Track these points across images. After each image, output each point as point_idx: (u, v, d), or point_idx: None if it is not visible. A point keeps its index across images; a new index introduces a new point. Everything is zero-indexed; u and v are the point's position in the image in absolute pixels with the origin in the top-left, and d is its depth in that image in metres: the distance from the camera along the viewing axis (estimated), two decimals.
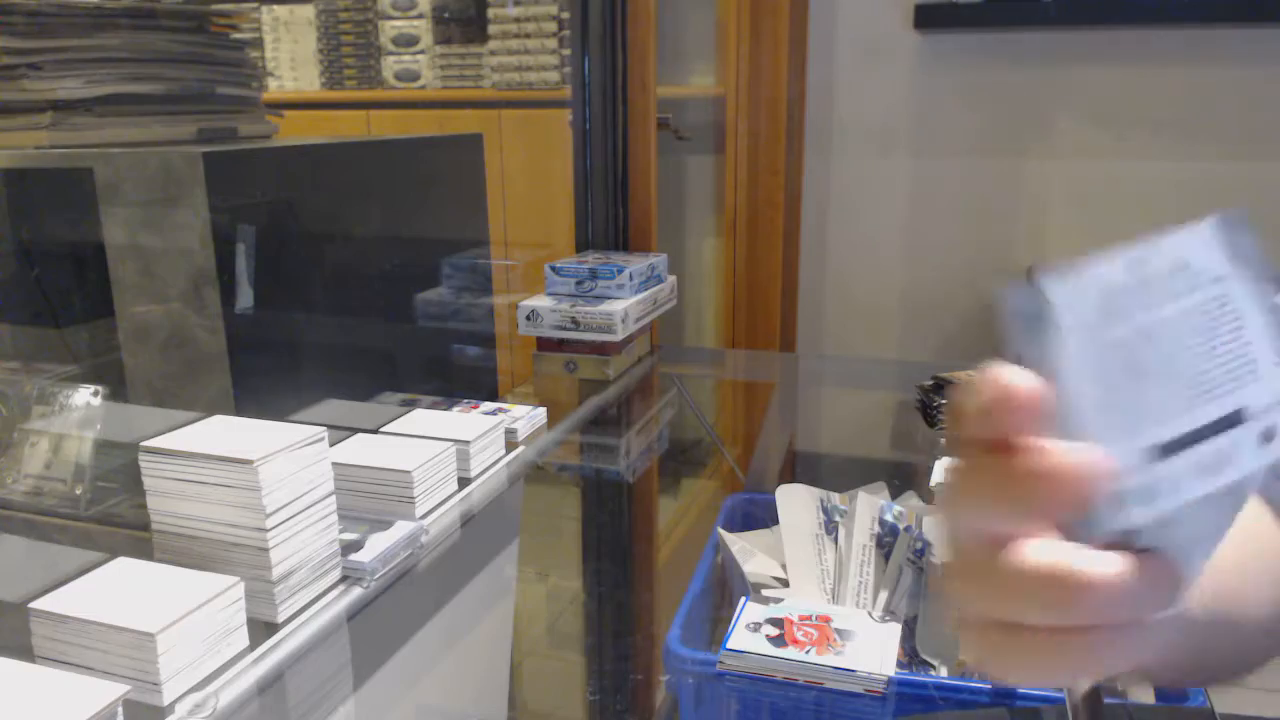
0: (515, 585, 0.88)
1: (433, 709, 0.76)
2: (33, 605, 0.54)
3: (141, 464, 0.60)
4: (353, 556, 0.67)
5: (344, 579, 0.66)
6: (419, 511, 0.75)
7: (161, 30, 0.85)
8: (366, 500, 0.75)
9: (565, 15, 1.54)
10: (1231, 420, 0.25)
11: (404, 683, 0.71)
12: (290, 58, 1.82)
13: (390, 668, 0.70)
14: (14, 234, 0.81)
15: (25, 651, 0.53)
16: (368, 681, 0.67)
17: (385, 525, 0.72)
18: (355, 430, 0.82)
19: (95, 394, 0.72)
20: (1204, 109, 1.68)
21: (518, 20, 1.60)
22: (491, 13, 1.63)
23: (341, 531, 0.67)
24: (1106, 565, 0.24)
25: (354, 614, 0.65)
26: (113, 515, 0.69)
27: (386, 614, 0.68)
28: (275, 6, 1.81)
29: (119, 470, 0.70)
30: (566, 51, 1.54)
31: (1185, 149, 1.70)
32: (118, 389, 0.74)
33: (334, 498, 0.64)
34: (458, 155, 1.07)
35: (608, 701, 0.74)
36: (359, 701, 0.66)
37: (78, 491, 0.70)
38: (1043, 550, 0.24)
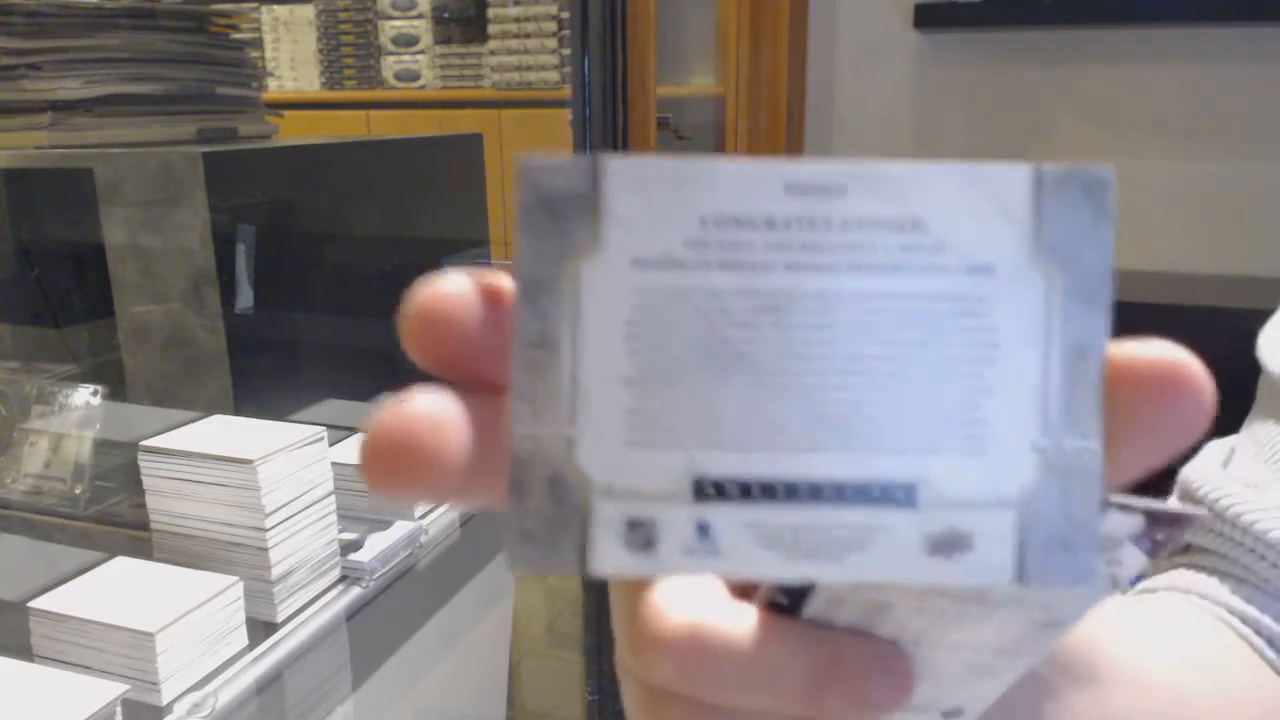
0: (514, 585, 0.88)
1: (431, 709, 0.76)
2: (32, 604, 0.54)
3: (141, 463, 0.60)
4: (352, 556, 0.67)
5: (343, 579, 0.66)
6: (418, 511, 0.75)
7: (161, 30, 0.85)
8: (366, 500, 0.75)
9: (565, 15, 1.54)
10: (887, 493, 0.15)
11: (403, 682, 0.71)
12: (290, 58, 1.82)
13: (389, 667, 0.70)
14: (14, 234, 0.81)
15: (24, 650, 0.53)
16: (366, 681, 0.67)
17: (384, 525, 0.72)
18: (355, 430, 0.82)
19: (95, 393, 0.72)
20: (1206, 108, 1.68)
21: (518, 20, 1.60)
22: (491, 12, 1.63)
23: (340, 531, 0.67)
24: (741, 627, 0.18)
25: (353, 614, 0.65)
26: (112, 515, 0.69)
27: (385, 614, 0.68)
28: (275, 6, 1.82)
29: (118, 470, 0.70)
30: (566, 51, 1.54)
31: (1187, 148, 1.70)
32: (117, 388, 0.74)
33: (333, 497, 0.64)
34: (457, 155, 1.07)
35: (607, 702, 0.74)
36: (358, 701, 0.66)
37: (77, 491, 0.70)
38: (682, 606, 0.18)
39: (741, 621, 0.18)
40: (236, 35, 0.93)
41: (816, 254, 0.15)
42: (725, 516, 0.15)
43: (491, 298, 0.15)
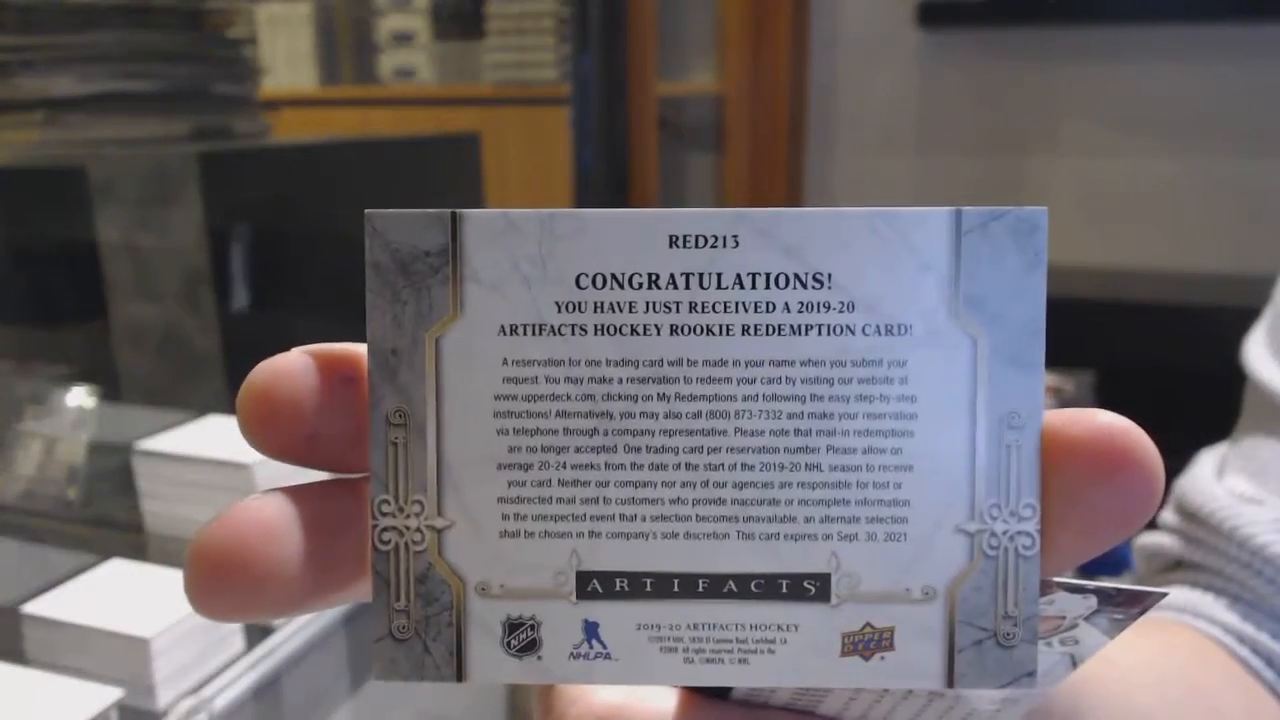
0: None
1: (430, 713, 0.75)
2: (25, 608, 0.53)
3: (135, 466, 0.60)
4: None
5: None
6: None
7: (155, 27, 0.85)
8: None
9: (565, 11, 1.54)
10: (795, 587, 0.13)
11: (402, 687, 0.70)
12: (286, 54, 1.82)
13: None
14: (6, 233, 0.80)
15: (18, 655, 0.53)
16: (365, 685, 0.67)
17: None
18: None
19: (89, 395, 0.72)
20: (1208, 106, 1.68)
21: (516, 16, 1.60)
22: (489, 9, 1.62)
23: None
24: (662, 713, 0.17)
25: (351, 617, 0.65)
26: (106, 517, 0.68)
27: None
28: (270, 3, 1.81)
29: (113, 472, 0.69)
30: (566, 49, 1.54)
31: (1189, 146, 1.70)
32: (111, 390, 0.73)
33: None
34: (455, 155, 1.06)
35: None
36: (356, 706, 0.65)
37: (71, 493, 0.70)
38: (600, 688, 0.17)
39: (661, 708, 0.17)
40: (232, 32, 0.92)
41: (705, 315, 0.13)
42: (615, 615, 0.13)
43: (342, 372, 0.14)
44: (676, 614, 0.13)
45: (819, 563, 0.13)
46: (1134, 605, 0.15)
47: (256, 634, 0.59)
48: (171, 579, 0.56)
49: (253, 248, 0.73)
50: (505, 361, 0.13)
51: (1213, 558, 0.34)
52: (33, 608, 0.53)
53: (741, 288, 0.13)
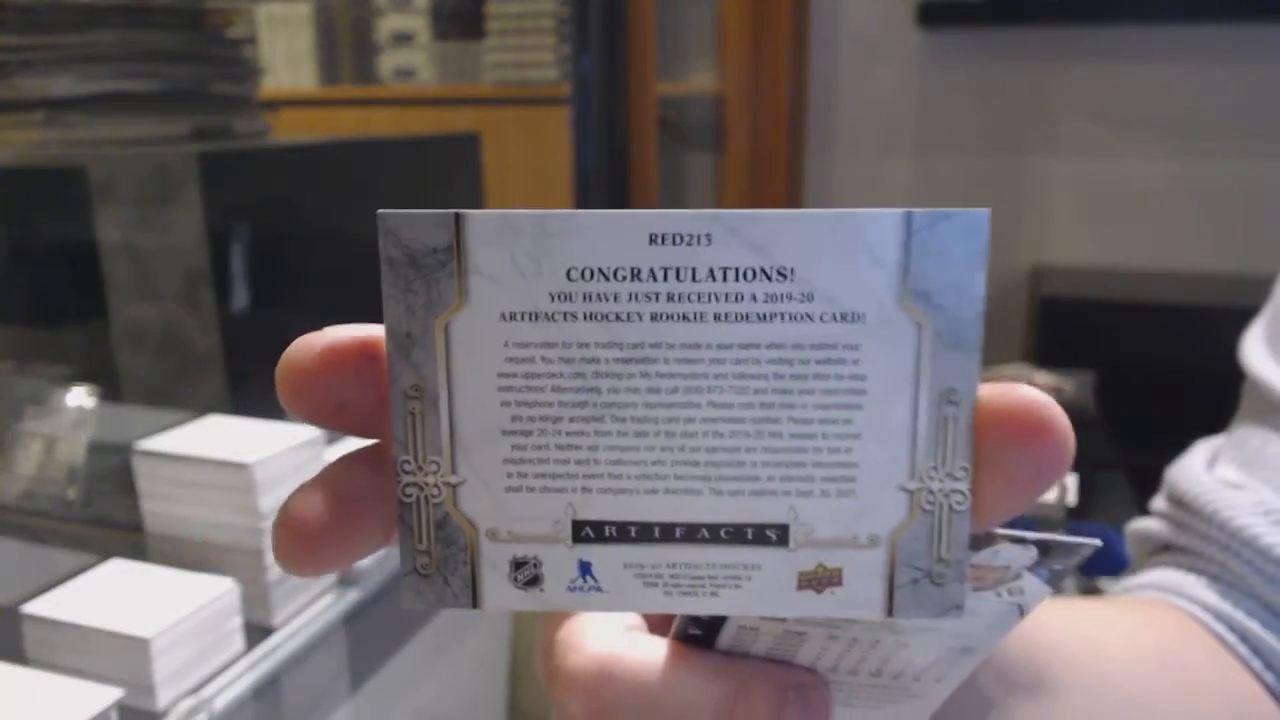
0: None
1: (430, 712, 0.75)
2: (25, 608, 0.53)
3: (135, 466, 0.60)
4: None
5: (340, 581, 0.66)
6: None
7: (155, 27, 0.85)
8: None
9: (565, 11, 1.54)
10: (759, 534, 0.15)
11: (401, 686, 0.70)
12: (286, 54, 1.82)
13: (387, 671, 0.69)
14: (6, 233, 0.80)
15: (18, 655, 0.53)
16: (365, 685, 0.67)
17: None
18: None
19: (89, 395, 0.72)
20: (1208, 106, 1.68)
21: (516, 16, 1.60)
22: (489, 9, 1.62)
23: None
24: (651, 659, 0.18)
25: (351, 617, 0.64)
26: (106, 517, 0.68)
27: (384, 617, 0.68)
28: (270, 3, 1.81)
29: (112, 472, 0.69)
30: (566, 49, 1.54)
31: (1192, 147, 1.70)
32: (111, 390, 0.73)
33: None
34: (455, 155, 1.06)
35: None
36: (356, 705, 0.65)
37: (71, 493, 0.70)
38: (593, 640, 0.19)
39: (652, 654, 0.18)
40: (232, 32, 0.92)
41: (681, 304, 0.15)
42: (605, 556, 0.15)
43: (365, 350, 0.15)
44: (657, 555, 0.15)
45: (779, 515, 0.15)
46: (1070, 556, 0.16)
47: (256, 634, 0.59)
48: (171, 579, 0.56)
49: (253, 248, 0.73)
50: (506, 344, 0.15)
51: (1196, 541, 0.36)
52: (33, 608, 0.53)
53: (714, 280, 0.14)
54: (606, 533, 0.15)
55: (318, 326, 0.16)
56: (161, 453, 0.59)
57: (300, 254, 0.80)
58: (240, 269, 0.72)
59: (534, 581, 0.16)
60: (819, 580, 0.15)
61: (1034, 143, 1.77)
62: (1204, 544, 0.35)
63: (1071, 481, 0.73)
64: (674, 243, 0.14)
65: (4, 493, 0.71)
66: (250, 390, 0.73)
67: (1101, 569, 0.66)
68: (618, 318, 0.15)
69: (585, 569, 0.16)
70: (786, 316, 0.15)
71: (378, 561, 0.67)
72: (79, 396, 0.72)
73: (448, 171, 1.04)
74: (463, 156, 1.08)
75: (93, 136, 0.80)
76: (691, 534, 0.15)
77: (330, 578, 0.65)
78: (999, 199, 1.79)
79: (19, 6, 0.76)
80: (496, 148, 1.40)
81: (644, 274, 0.14)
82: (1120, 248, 1.71)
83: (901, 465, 0.15)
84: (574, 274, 0.15)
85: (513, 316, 0.15)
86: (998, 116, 1.80)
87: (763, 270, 0.14)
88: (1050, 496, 0.73)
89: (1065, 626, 0.28)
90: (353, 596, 0.65)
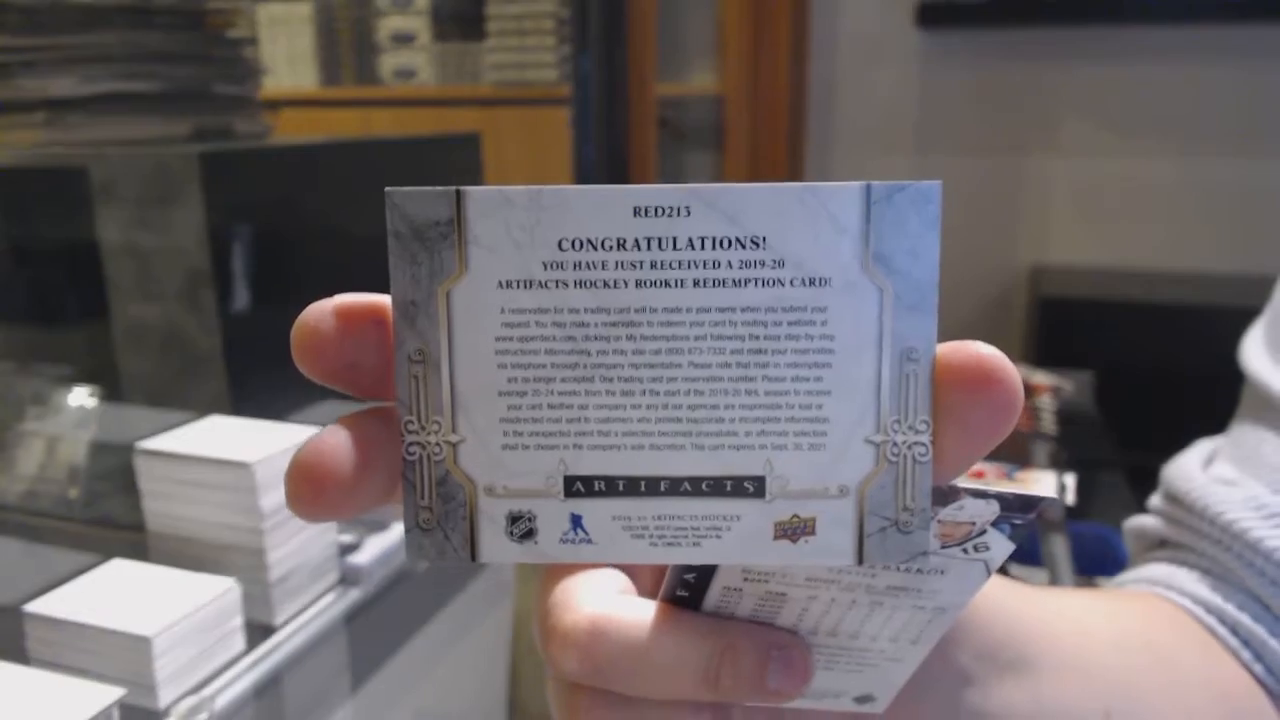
0: (514, 587, 0.88)
1: (431, 711, 0.75)
2: (27, 608, 0.53)
3: (136, 466, 0.60)
4: (350, 558, 0.66)
5: (342, 581, 0.66)
6: None
7: (156, 28, 0.85)
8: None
9: (565, 11, 1.54)
10: (737, 487, 0.16)
11: (402, 685, 0.70)
12: (286, 55, 1.82)
13: (388, 670, 0.69)
14: (7, 234, 0.80)
15: (20, 654, 0.53)
16: (366, 684, 0.67)
17: (383, 527, 0.71)
18: None
19: (90, 395, 0.72)
20: (1208, 107, 1.68)
21: (516, 17, 1.60)
22: (489, 9, 1.62)
23: (339, 533, 0.66)
24: (640, 619, 0.19)
25: (352, 616, 0.65)
26: (107, 517, 0.68)
27: (385, 616, 0.68)
28: (271, 3, 1.81)
29: (114, 472, 0.69)
30: (566, 49, 1.54)
31: (1191, 147, 1.70)
32: (112, 390, 0.73)
33: None
34: (455, 155, 1.06)
35: None
36: (357, 704, 0.65)
37: (72, 493, 0.70)
38: (585, 601, 0.20)
39: (642, 614, 0.19)
40: (232, 33, 0.92)
41: (663, 271, 0.16)
42: (595, 509, 0.16)
43: (373, 316, 0.17)
44: (643, 508, 0.16)
45: (756, 467, 0.16)
46: (1029, 510, 0.17)
47: (257, 633, 0.59)
48: (173, 578, 0.56)
49: (254, 248, 0.73)
50: (503, 310, 0.16)
51: (1189, 536, 0.36)
52: (35, 607, 0.53)
53: (693, 249, 0.16)
54: (596, 487, 0.16)
55: None
56: (163, 452, 0.59)
57: (301, 254, 0.81)
58: (241, 269, 0.72)
59: (528, 535, 0.17)
60: (794, 530, 0.16)
61: (1034, 143, 1.77)
62: (1196, 539, 0.36)
63: (1070, 481, 0.73)
64: (656, 215, 0.15)
65: (6, 492, 0.71)
66: (251, 390, 0.73)
67: (1100, 569, 0.66)
68: (605, 284, 0.16)
69: (576, 522, 0.17)
70: (760, 282, 0.16)
71: (378, 562, 0.67)
72: (80, 396, 0.72)
73: (448, 172, 1.05)
74: (463, 157, 1.08)
75: (94, 137, 0.80)
76: (675, 487, 0.16)
77: (332, 577, 0.65)
78: (999, 199, 1.79)
79: (20, 7, 0.76)
80: (496, 148, 1.40)
81: (629, 244, 0.16)
82: (1120, 248, 1.71)
83: (868, 420, 0.16)
84: (565, 244, 0.16)
85: (509, 284, 0.16)
86: (997, 117, 1.80)
87: (737, 239, 0.15)
88: (1050, 492, 0.73)
89: (1056, 608, 0.29)
90: (353, 596, 0.65)
